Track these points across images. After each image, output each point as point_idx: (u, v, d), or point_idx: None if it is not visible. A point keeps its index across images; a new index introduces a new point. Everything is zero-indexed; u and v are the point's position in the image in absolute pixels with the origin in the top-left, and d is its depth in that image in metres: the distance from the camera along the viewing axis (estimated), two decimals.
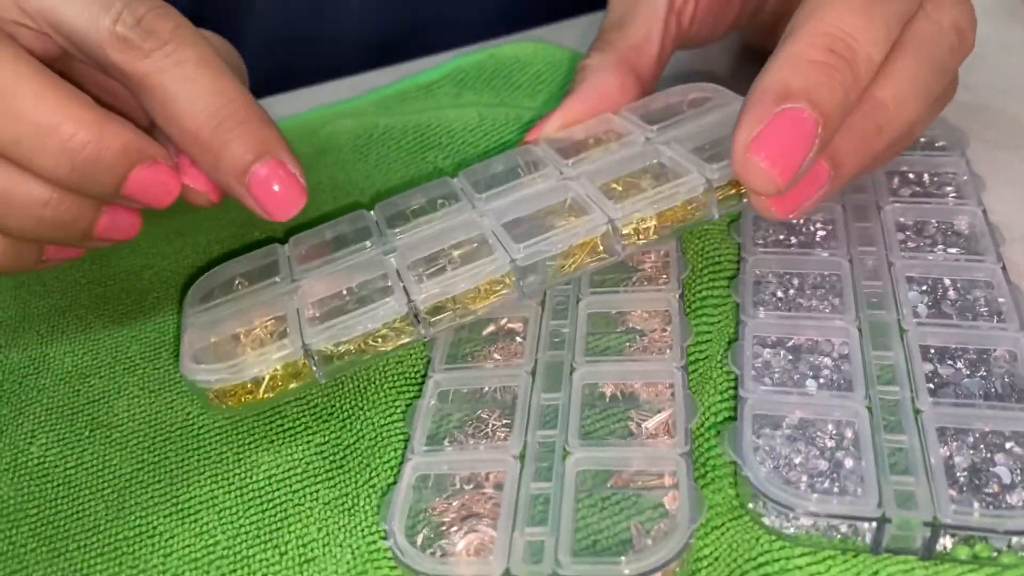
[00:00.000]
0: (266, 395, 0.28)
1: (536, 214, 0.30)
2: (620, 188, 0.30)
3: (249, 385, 0.28)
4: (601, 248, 0.29)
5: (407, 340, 0.28)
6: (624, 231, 0.29)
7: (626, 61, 0.35)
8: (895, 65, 0.26)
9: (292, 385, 0.28)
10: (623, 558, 0.23)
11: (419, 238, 0.31)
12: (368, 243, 0.31)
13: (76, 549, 0.28)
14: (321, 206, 0.40)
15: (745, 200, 0.29)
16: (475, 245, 0.30)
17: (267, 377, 0.28)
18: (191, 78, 0.28)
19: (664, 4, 0.36)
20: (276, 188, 0.29)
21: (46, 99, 0.26)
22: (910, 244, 0.32)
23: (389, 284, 0.29)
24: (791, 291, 0.31)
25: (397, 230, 0.32)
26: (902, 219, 0.33)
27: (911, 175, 0.35)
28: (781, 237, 0.33)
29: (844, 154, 0.26)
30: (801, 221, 0.33)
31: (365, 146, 0.43)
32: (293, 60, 0.55)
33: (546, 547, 0.24)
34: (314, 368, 0.28)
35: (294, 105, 0.48)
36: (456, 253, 0.30)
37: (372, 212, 0.33)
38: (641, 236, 0.29)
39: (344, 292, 0.30)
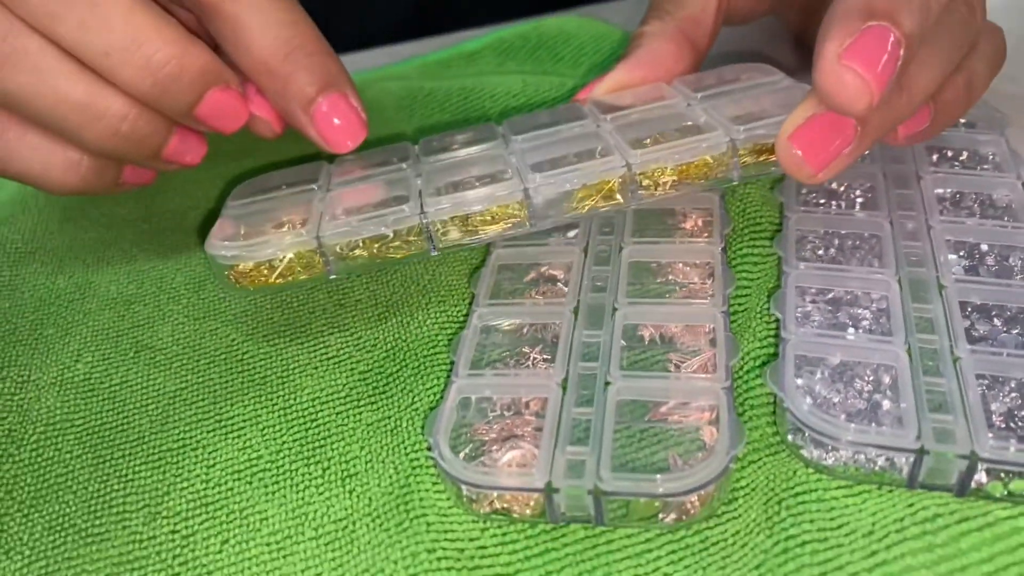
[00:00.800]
0: (278, 280, 0.29)
1: (561, 156, 0.31)
2: (650, 141, 0.31)
3: (264, 269, 0.29)
4: (617, 193, 0.29)
5: (416, 251, 0.29)
6: (641, 180, 0.29)
7: (683, 30, 0.36)
8: None
9: (303, 276, 0.29)
10: (659, 476, 0.23)
11: (447, 164, 0.32)
12: (403, 165, 0.32)
13: (121, 457, 0.28)
14: None
15: (773, 168, 0.29)
16: (497, 171, 0.30)
17: (281, 261, 0.29)
18: (263, 8, 0.29)
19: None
20: (338, 121, 0.30)
21: (136, 14, 0.27)
22: (948, 213, 0.32)
23: (408, 197, 0.30)
24: (832, 249, 0.31)
25: (431, 158, 0.33)
26: (941, 190, 0.33)
27: (949, 152, 0.35)
28: (823, 201, 0.33)
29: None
30: (841, 188, 0.34)
31: (409, 107, 0.43)
32: (327, 24, 0.55)
33: (587, 464, 0.24)
34: (324, 261, 0.29)
35: None
36: (477, 181, 0.30)
37: (415, 145, 0.34)
38: (658, 187, 0.29)
39: (369, 202, 0.30)
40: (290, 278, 0.29)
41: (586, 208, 0.29)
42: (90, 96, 0.28)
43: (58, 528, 0.26)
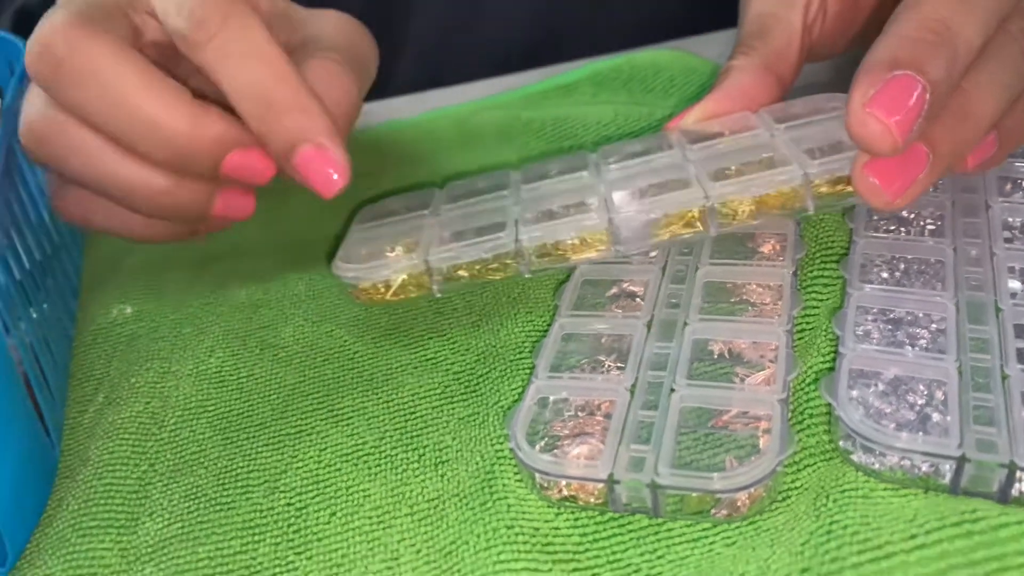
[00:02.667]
0: (392, 297, 0.33)
1: (647, 186, 0.33)
2: (732, 172, 0.32)
3: (380, 287, 0.33)
4: (697, 222, 0.31)
5: (512, 273, 0.32)
6: (720, 210, 0.31)
7: (768, 65, 0.37)
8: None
9: (414, 294, 0.33)
10: (715, 474, 0.26)
11: (542, 192, 0.35)
12: (504, 192, 0.36)
13: (246, 440, 0.33)
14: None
15: (849, 199, 0.31)
16: (586, 202, 0.33)
17: (394, 282, 0.32)
18: (237, 70, 0.30)
19: (800, 18, 0.39)
20: (314, 171, 0.30)
21: (146, 94, 0.29)
22: (1015, 242, 0.34)
23: (505, 224, 0.33)
24: (897, 273, 0.33)
25: (529, 186, 0.36)
26: (1009, 218, 0.35)
27: (1022, 181, 0.37)
28: (892, 228, 0.35)
29: (938, 138, 0.28)
30: (911, 216, 0.36)
31: (508, 135, 0.47)
32: (446, 63, 0.60)
33: (647, 460, 0.27)
34: (431, 281, 0.32)
35: (445, 99, 0.53)
36: (569, 207, 0.33)
37: (516, 173, 0.38)
38: (736, 217, 0.31)
39: (472, 229, 0.34)
40: (402, 296, 0.33)
41: (668, 236, 0.32)
42: (132, 173, 0.31)
43: (192, 496, 0.31)
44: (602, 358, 0.32)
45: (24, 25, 0.51)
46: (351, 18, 0.38)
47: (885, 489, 0.26)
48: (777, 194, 0.31)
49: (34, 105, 0.32)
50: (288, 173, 0.31)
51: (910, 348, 0.30)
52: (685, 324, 0.32)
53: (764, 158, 0.33)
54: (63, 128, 0.31)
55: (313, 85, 0.32)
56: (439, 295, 0.33)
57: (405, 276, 0.32)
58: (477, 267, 0.32)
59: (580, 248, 0.32)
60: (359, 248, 0.34)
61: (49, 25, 0.30)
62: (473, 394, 0.32)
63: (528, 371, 0.33)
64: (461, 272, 0.32)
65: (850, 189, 0.30)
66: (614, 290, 0.35)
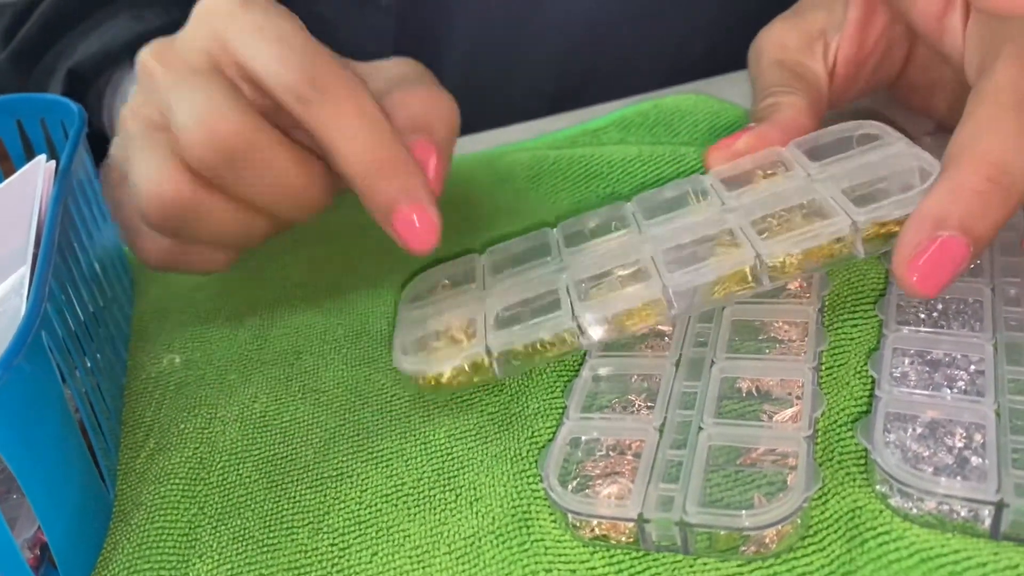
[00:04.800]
0: (453, 383, 0.33)
1: (693, 243, 0.33)
2: (775, 222, 0.33)
3: (438, 377, 0.33)
4: (750, 278, 0.32)
5: (570, 348, 0.33)
6: (770, 264, 0.32)
7: (812, 103, 0.38)
8: None
9: (476, 379, 0.33)
10: (744, 512, 0.27)
11: (588, 258, 0.35)
12: (548, 258, 0.36)
13: (290, 483, 0.34)
14: (500, 227, 0.45)
15: (893, 240, 0.31)
16: (636, 268, 0.33)
17: (454, 371, 0.33)
18: (349, 133, 0.32)
19: (822, 65, 0.40)
20: (411, 228, 0.33)
21: (298, 169, 0.34)
22: None
23: (559, 299, 0.33)
24: (935, 313, 0.33)
25: (571, 249, 0.36)
26: None
27: None
28: None
29: (980, 231, 0.29)
30: None
31: (537, 176, 0.48)
32: (475, 110, 0.62)
33: (676, 500, 0.28)
34: (493, 366, 0.33)
35: (476, 144, 0.54)
36: (619, 274, 0.34)
37: (554, 231, 0.38)
38: (787, 270, 0.32)
39: (523, 302, 0.34)
40: (465, 380, 0.33)
41: (723, 295, 0.32)
42: (255, 227, 0.35)
43: (240, 538, 0.32)
44: (632, 397, 0.33)
45: (74, 87, 0.54)
46: (411, 59, 0.40)
47: (922, 533, 0.27)
48: (826, 245, 0.32)
49: (163, 181, 0.34)
50: (384, 229, 0.34)
51: (948, 390, 0.30)
52: (712, 363, 0.33)
53: (807, 203, 0.33)
54: (202, 200, 0.34)
55: (424, 110, 0.35)
56: (501, 375, 0.33)
57: (465, 364, 0.33)
58: (536, 345, 0.33)
59: (636, 317, 0.32)
60: (413, 332, 0.35)
61: (218, 114, 0.32)
62: (506, 433, 0.34)
63: (559, 410, 0.34)
64: (521, 353, 0.33)
65: (894, 231, 0.31)
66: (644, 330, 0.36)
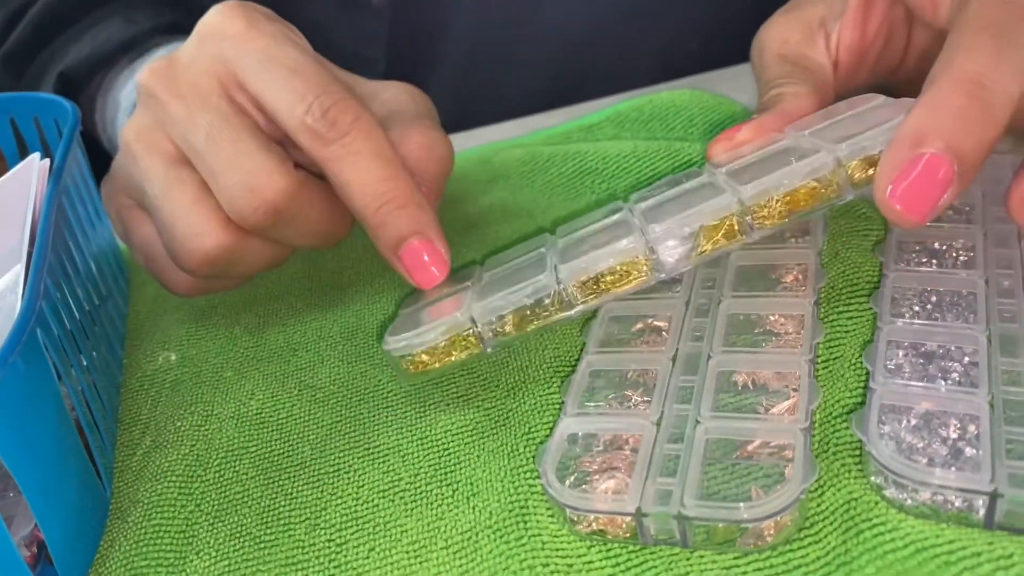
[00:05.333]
0: (440, 362, 0.33)
1: (677, 205, 0.33)
2: (760, 172, 0.32)
3: (427, 355, 0.33)
4: (736, 228, 0.31)
5: (557, 317, 0.32)
6: (756, 212, 0.31)
7: (818, 92, 0.38)
8: None
9: (463, 354, 0.33)
10: (742, 504, 0.27)
11: (578, 238, 0.35)
12: (542, 249, 0.36)
13: (287, 479, 0.34)
14: (494, 224, 0.46)
15: None
16: (620, 235, 0.33)
17: (441, 347, 0.32)
18: (362, 168, 0.33)
19: (825, 56, 0.39)
20: (418, 262, 0.34)
21: (332, 214, 0.35)
22: None
23: (544, 266, 0.33)
24: (928, 306, 0.33)
25: (564, 237, 0.36)
26: None
27: None
28: (923, 260, 0.35)
29: (968, 150, 0.28)
30: (943, 247, 0.36)
31: (531, 173, 0.48)
32: (473, 103, 0.62)
33: (674, 493, 0.28)
34: (479, 339, 0.32)
35: (471, 141, 0.54)
36: (605, 241, 0.33)
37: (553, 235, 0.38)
38: (772, 216, 0.31)
39: (508, 275, 0.34)
40: (452, 357, 0.33)
41: (711, 248, 0.31)
42: (280, 258, 0.38)
43: (237, 535, 0.32)
44: (629, 392, 0.33)
45: (66, 90, 0.54)
46: (410, 85, 0.41)
47: (917, 524, 0.27)
48: (810, 187, 0.30)
49: (204, 234, 0.35)
50: (391, 264, 0.35)
51: (942, 382, 0.30)
52: (709, 357, 0.33)
53: (792, 150, 0.33)
54: (243, 247, 0.35)
55: (420, 150, 0.36)
56: (490, 350, 0.33)
57: (454, 336, 0.32)
58: (522, 315, 0.32)
59: (621, 279, 0.32)
60: (405, 326, 0.34)
61: (267, 179, 0.33)
62: (503, 428, 0.34)
63: (556, 406, 0.34)
64: (507, 326, 0.32)
65: None
66: (639, 325, 0.36)
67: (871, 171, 0.30)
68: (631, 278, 0.32)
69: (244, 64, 0.34)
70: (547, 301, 0.32)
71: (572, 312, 0.32)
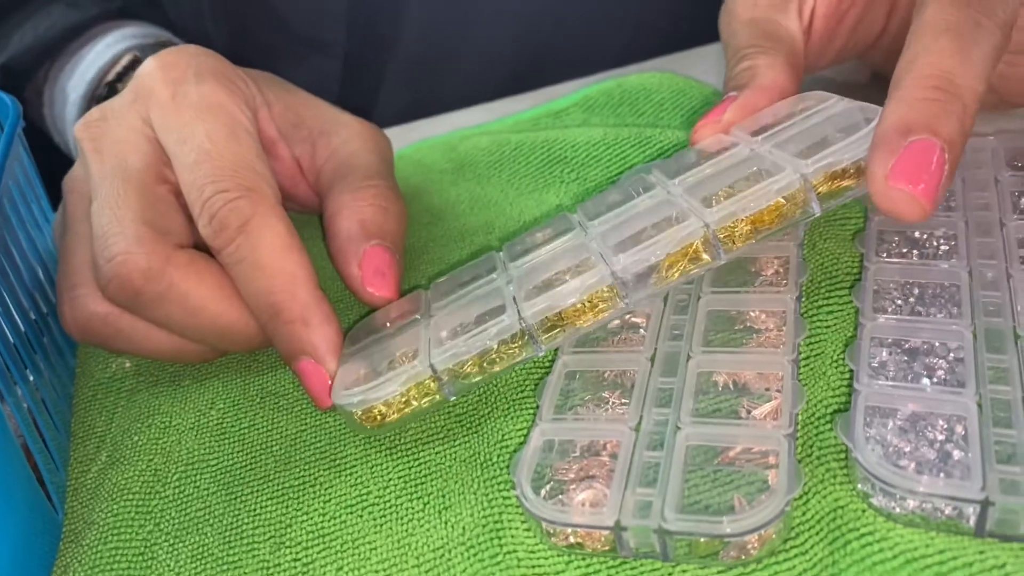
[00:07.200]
0: (401, 413, 0.31)
1: (640, 231, 0.31)
2: (723, 194, 0.31)
3: (385, 408, 0.31)
4: (703, 254, 0.30)
5: (523, 356, 0.30)
6: (721, 235, 0.30)
7: (789, 62, 0.37)
8: None
9: (425, 403, 0.31)
10: (724, 518, 0.26)
11: (534, 265, 0.33)
12: (494, 276, 0.34)
13: (250, 494, 0.32)
14: (460, 216, 0.44)
15: (849, 193, 0.30)
16: (582, 262, 0.31)
17: (400, 396, 0.30)
18: (247, 279, 0.32)
19: (796, 23, 0.38)
20: (311, 383, 0.32)
21: (222, 304, 0.33)
22: None
23: (504, 306, 0.31)
24: (911, 299, 0.32)
25: (516, 263, 0.34)
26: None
27: None
28: (904, 250, 0.34)
29: (946, 130, 0.28)
30: (924, 236, 0.35)
31: (499, 162, 0.47)
32: (434, 84, 0.60)
33: (654, 505, 0.27)
34: (442, 386, 0.30)
35: (436, 128, 0.53)
36: (567, 276, 0.31)
37: (499, 253, 0.36)
38: (739, 238, 0.30)
39: (467, 315, 0.32)
40: (414, 408, 0.31)
41: (676, 275, 0.30)
42: (186, 351, 0.36)
43: (199, 556, 0.31)
44: (606, 394, 0.31)
45: (11, 82, 0.51)
46: (369, 124, 0.40)
47: (905, 533, 0.26)
48: (776, 205, 0.30)
49: (78, 300, 0.34)
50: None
51: (927, 380, 0.29)
52: (689, 357, 0.32)
53: (752, 172, 0.32)
54: (116, 324, 0.34)
55: (377, 211, 0.35)
56: (453, 398, 0.31)
57: (412, 387, 0.30)
58: (487, 359, 0.31)
59: (587, 312, 0.30)
60: (355, 371, 0.32)
61: (124, 251, 0.32)
62: (475, 435, 0.32)
63: (531, 409, 0.32)
64: (469, 369, 0.31)
65: (848, 183, 0.29)
66: (616, 322, 0.35)
67: (835, 184, 0.30)
68: (598, 310, 0.30)
69: (163, 139, 0.34)
70: (511, 340, 0.30)
71: (539, 351, 0.31)
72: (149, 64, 0.35)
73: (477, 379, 0.31)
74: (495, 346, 0.30)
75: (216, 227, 0.32)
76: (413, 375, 0.30)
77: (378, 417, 0.31)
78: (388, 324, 0.35)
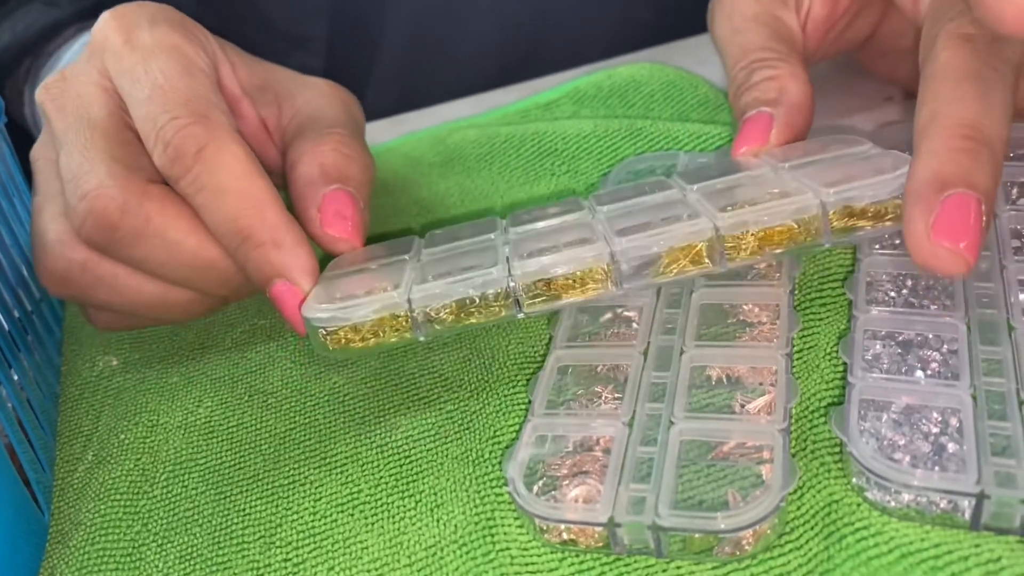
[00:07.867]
0: (368, 342, 0.30)
1: (648, 222, 0.31)
2: (739, 207, 0.30)
3: (351, 333, 0.30)
4: (705, 257, 0.30)
5: (502, 315, 0.30)
6: (728, 243, 0.29)
7: (805, 68, 0.36)
8: None
9: (394, 338, 0.30)
10: (718, 514, 0.26)
11: (535, 232, 0.33)
12: (491, 236, 0.34)
13: (239, 493, 0.32)
14: (451, 209, 0.44)
15: (861, 234, 0.29)
16: (583, 240, 0.31)
17: (370, 324, 0.29)
18: (210, 206, 0.31)
19: (795, 18, 0.38)
20: (288, 307, 0.31)
21: (202, 239, 0.32)
22: None
23: (496, 261, 0.30)
24: (904, 291, 0.32)
25: (518, 228, 0.34)
26: (1018, 227, 0.33)
27: None
28: (897, 243, 0.34)
29: (981, 182, 0.27)
30: None
31: (488, 155, 0.46)
32: (421, 81, 0.59)
33: (647, 501, 0.26)
34: (415, 325, 0.30)
35: (424, 121, 0.52)
36: (567, 244, 0.30)
37: (502, 220, 0.35)
38: (744, 251, 0.29)
39: (459, 267, 0.31)
40: (380, 339, 0.30)
41: (673, 273, 0.30)
42: (169, 296, 0.34)
43: (187, 557, 0.30)
44: (599, 389, 0.31)
45: None
46: (335, 84, 0.38)
47: (901, 527, 0.26)
48: (787, 227, 0.29)
49: (54, 248, 0.33)
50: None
51: (921, 372, 0.29)
52: (682, 351, 0.31)
53: (772, 193, 0.31)
54: (95, 271, 0.32)
55: (339, 156, 0.34)
56: (423, 339, 0.30)
57: (383, 316, 0.30)
58: (464, 307, 0.30)
59: (576, 286, 0.30)
60: (331, 292, 0.31)
61: (97, 186, 0.31)
62: (467, 432, 0.32)
63: (523, 405, 0.32)
64: (446, 314, 0.30)
65: (864, 223, 0.29)
66: (608, 315, 0.34)
67: (850, 221, 0.29)
68: (587, 287, 0.30)
69: (118, 83, 0.33)
70: (493, 296, 0.30)
71: (519, 314, 0.30)
72: (103, 17, 0.34)
73: (451, 326, 0.30)
74: (477, 297, 0.29)
75: (172, 155, 0.31)
76: (388, 304, 0.29)
77: (343, 340, 0.30)
78: (373, 259, 0.34)
